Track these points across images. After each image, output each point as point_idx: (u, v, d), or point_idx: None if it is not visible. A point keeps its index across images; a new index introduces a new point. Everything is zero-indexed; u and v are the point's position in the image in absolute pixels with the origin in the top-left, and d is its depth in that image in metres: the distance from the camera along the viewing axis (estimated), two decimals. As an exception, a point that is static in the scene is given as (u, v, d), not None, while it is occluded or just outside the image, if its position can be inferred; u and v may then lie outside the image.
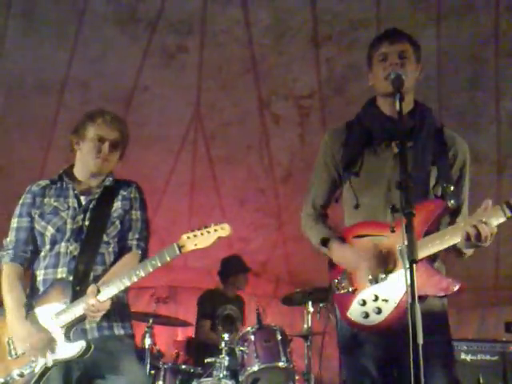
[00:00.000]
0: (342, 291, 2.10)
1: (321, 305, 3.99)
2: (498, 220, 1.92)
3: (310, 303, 4.14)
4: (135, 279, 2.25)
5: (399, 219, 1.83)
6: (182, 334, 5.94)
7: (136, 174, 5.46)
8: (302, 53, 5.12)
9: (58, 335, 2.32)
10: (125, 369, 2.34)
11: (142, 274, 2.24)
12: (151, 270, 2.23)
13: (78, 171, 2.58)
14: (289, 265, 6.49)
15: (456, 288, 1.96)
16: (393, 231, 1.96)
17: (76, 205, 2.51)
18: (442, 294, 1.96)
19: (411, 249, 1.61)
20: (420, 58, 2.21)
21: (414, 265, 1.61)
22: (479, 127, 5.26)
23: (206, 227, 2.22)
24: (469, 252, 2.08)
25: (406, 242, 1.64)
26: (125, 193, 2.56)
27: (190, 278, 6.22)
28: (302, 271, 6.30)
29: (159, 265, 2.23)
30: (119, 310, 2.43)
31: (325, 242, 2.21)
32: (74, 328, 2.34)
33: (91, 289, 2.27)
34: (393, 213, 1.86)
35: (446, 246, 1.98)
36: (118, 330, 2.42)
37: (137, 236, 2.52)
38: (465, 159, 2.20)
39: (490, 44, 4.89)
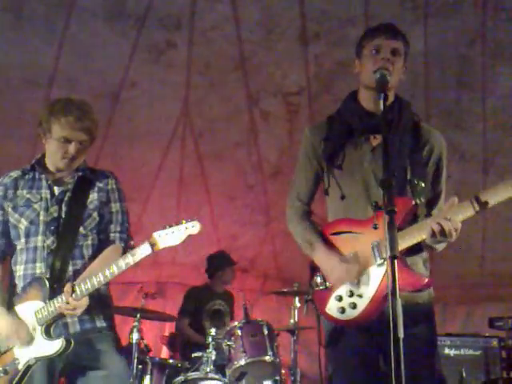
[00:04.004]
0: (321, 287, 2.15)
1: (307, 297, 4.00)
2: (466, 214, 1.96)
3: (296, 298, 4.17)
4: (109, 277, 2.24)
5: (380, 216, 1.87)
6: (169, 329, 5.96)
7: (124, 169, 5.54)
8: (291, 50, 5.13)
9: (38, 333, 2.33)
10: (105, 362, 2.36)
11: (116, 271, 2.23)
12: (124, 267, 2.23)
13: (49, 163, 2.53)
14: (277, 261, 6.52)
15: (425, 282, 2.02)
16: (375, 228, 2.00)
17: (49, 196, 2.47)
18: (411, 288, 2.00)
19: (392, 245, 1.65)
20: (407, 58, 2.23)
21: (393, 260, 1.64)
22: (466, 126, 5.30)
23: (176, 224, 2.23)
24: (439, 247, 2.12)
25: (387, 239, 1.67)
26: (101, 184, 2.53)
27: (178, 273, 6.24)
28: (289, 267, 6.33)
29: (132, 263, 2.23)
30: (100, 302, 2.43)
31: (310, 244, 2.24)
32: (55, 324, 2.34)
33: (66, 288, 2.27)
34: (375, 210, 1.89)
35: (414, 241, 2.02)
36: (100, 323, 2.43)
37: (118, 228, 2.50)
38: (441, 153, 2.22)
39: (476, 43, 4.93)
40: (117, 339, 2.50)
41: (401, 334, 1.64)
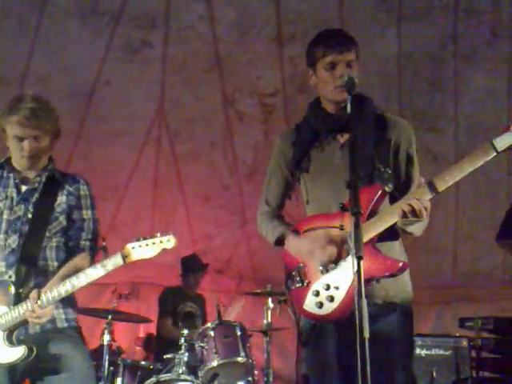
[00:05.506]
0: (297, 285, 2.14)
1: (280, 298, 4.02)
2: (427, 197, 1.98)
3: (269, 299, 4.17)
4: (77, 287, 2.22)
5: (347, 216, 1.88)
6: (144, 330, 5.91)
7: (98, 169, 5.49)
8: (266, 51, 5.16)
9: (0, 339, 2.28)
10: (68, 363, 2.32)
11: (85, 282, 2.22)
12: (94, 278, 2.21)
13: (14, 162, 2.49)
14: (252, 262, 6.51)
15: (400, 265, 2.00)
16: (342, 229, 2.01)
17: (15, 194, 2.44)
18: (387, 273, 2.00)
19: (358, 246, 1.66)
20: (359, 58, 2.25)
21: (359, 261, 1.66)
22: (438, 128, 5.38)
23: (151, 237, 2.20)
24: (414, 230, 2.12)
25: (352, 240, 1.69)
26: (71, 188, 2.49)
27: (152, 274, 6.17)
28: (265, 268, 6.33)
29: (102, 273, 2.21)
30: (62, 302, 2.38)
31: (281, 240, 2.25)
32: (17, 330, 2.30)
33: (33, 294, 2.23)
34: (342, 211, 1.90)
35: (386, 225, 2.02)
36: (62, 323, 2.39)
37: (89, 236, 2.47)
38: (409, 141, 2.23)
39: (448, 46, 5.02)
40: (81, 340, 2.46)
41: (366, 334, 1.66)
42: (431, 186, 1.96)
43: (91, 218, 2.50)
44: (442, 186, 1.96)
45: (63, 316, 2.40)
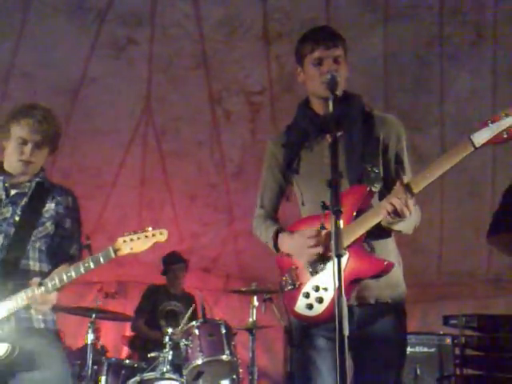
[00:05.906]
0: (289, 287, 2.16)
1: (265, 296, 4.03)
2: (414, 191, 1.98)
3: (254, 297, 4.18)
4: (66, 280, 2.28)
5: (328, 216, 1.89)
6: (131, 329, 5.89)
7: (84, 167, 5.46)
8: (253, 49, 5.16)
9: None
10: (43, 363, 2.32)
11: (73, 275, 2.28)
12: (83, 271, 2.28)
13: (7, 166, 2.55)
14: (239, 260, 6.52)
15: (383, 265, 2.01)
16: (323, 228, 2.02)
17: (4, 197, 2.49)
18: (372, 274, 2.01)
19: (337, 244, 1.67)
20: (347, 55, 2.25)
21: (339, 259, 1.66)
22: (424, 128, 5.40)
23: (143, 231, 2.26)
24: (403, 228, 2.10)
25: (332, 239, 1.69)
26: (59, 198, 2.56)
27: (139, 272, 6.16)
28: (252, 267, 6.35)
29: (92, 267, 2.27)
30: None
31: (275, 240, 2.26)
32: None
33: (34, 280, 2.30)
34: (323, 210, 1.91)
35: (371, 225, 2.03)
36: (38, 324, 2.39)
37: (76, 246, 2.57)
38: (398, 138, 2.22)
39: (434, 46, 5.04)
40: (57, 340, 2.47)
41: (346, 332, 1.66)
42: (407, 188, 1.96)
43: (78, 228, 2.59)
44: (417, 188, 1.97)
45: (40, 317, 2.41)
